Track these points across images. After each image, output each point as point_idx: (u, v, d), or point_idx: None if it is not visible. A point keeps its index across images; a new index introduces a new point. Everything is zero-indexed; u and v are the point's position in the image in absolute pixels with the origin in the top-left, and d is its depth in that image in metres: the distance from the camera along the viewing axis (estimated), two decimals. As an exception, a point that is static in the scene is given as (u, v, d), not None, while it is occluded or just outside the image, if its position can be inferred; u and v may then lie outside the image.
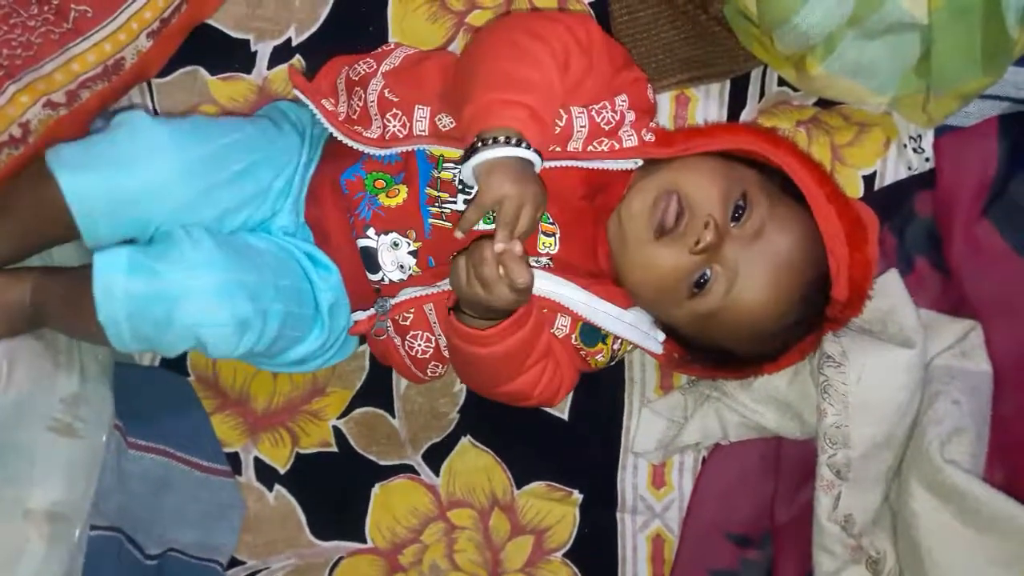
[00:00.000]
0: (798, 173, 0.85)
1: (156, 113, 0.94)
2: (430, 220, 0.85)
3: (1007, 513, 0.85)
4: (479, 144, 0.76)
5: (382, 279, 0.87)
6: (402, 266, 0.86)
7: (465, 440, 1.03)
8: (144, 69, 0.89)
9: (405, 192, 0.85)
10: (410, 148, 0.84)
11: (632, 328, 0.88)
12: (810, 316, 0.86)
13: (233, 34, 0.94)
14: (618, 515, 1.05)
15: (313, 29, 0.95)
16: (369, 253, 0.86)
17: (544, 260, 0.86)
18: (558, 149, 0.83)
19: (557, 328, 0.87)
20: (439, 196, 0.84)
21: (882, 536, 0.94)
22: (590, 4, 0.95)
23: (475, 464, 1.03)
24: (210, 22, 0.93)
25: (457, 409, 1.02)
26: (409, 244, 0.86)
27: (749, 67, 0.96)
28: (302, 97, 0.87)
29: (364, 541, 1.04)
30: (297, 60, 0.95)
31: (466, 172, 0.77)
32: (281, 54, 0.95)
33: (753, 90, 0.97)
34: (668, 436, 1.00)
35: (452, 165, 0.84)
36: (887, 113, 0.96)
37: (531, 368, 0.86)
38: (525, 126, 0.77)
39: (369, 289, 0.88)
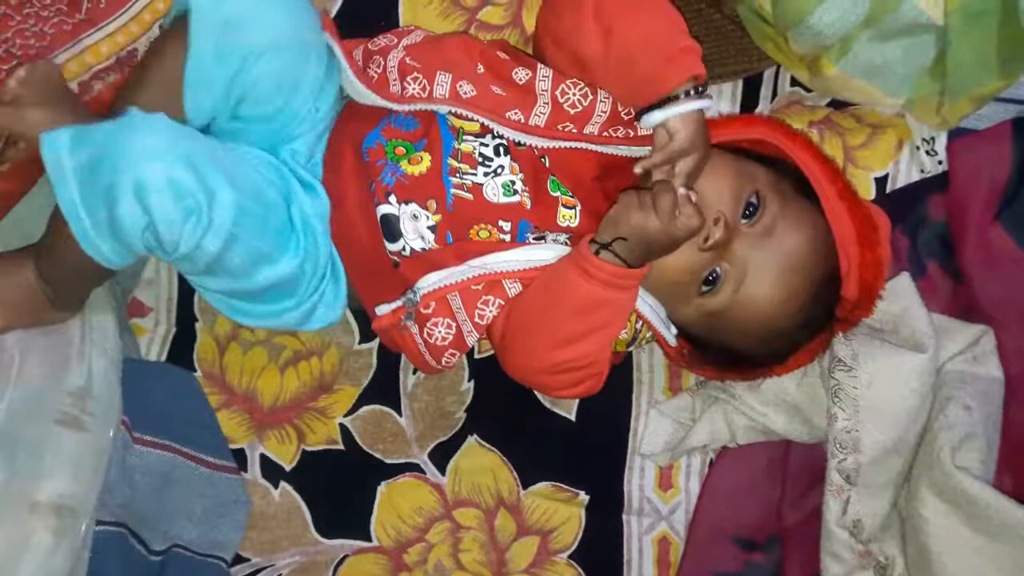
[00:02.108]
0: (811, 169, 0.85)
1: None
2: (452, 190, 0.83)
3: (1017, 520, 0.85)
4: (668, 98, 0.79)
5: (403, 249, 0.84)
6: (422, 236, 0.84)
7: (472, 439, 1.02)
8: (156, 61, 0.89)
9: (428, 160, 0.84)
10: (429, 108, 0.83)
11: (653, 311, 0.87)
12: (820, 316, 0.85)
13: (243, 28, 0.94)
14: (624, 517, 1.04)
15: (324, 24, 0.94)
16: (389, 220, 0.84)
17: (563, 236, 0.86)
18: (573, 129, 0.83)
19: None
20: (460, 167, 0.84)
21: (891, 542, 0.94)
22: (603, 2, 0.94)
23: (481, 464, 1.03)
24: (220, 16, 0.93)
25: (464, 408, 1.02)
26: (428, 217, 0.84)
27: (762, 67, 0.95)
28: (331, 43, 0.84)
29: (369, 539, 1.04)
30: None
31: (654, 120, 0.79)
32: (291, 49, 0.94)
33: (766, 90, 0.96)
34: (676, 438, 1.00)
35: (472, 138, 0.84)
36: (900, 115, 0.96)
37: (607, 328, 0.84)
38: (700, 69, 0.79)
39: (387, 263, 0.85)
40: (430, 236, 0.84)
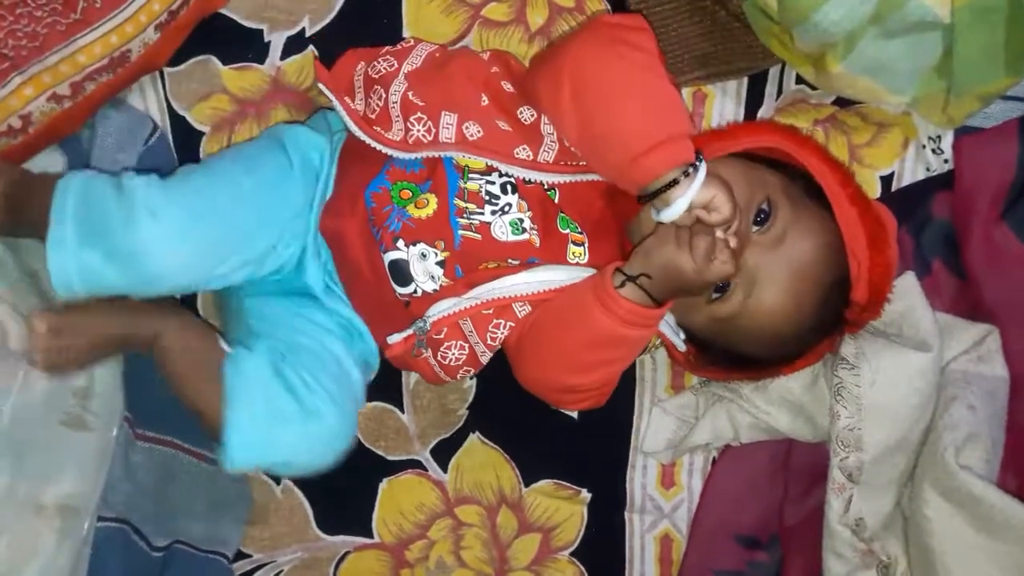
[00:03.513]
0: (822, 173, 0.84)
1: (168, 102, 0.94)
2: (460, 231, 0.83)
3: (1021, 520, 0.85)
4: (673, 182, 0.76)
5: (414, 291, 0.84)
6: (432, 276, 0.83)
7: (474, 437, 1.02)
8: (151, 61, 0.88)
9: (434, 202, 0.83)
10: (436, 154, 0.82)
11: (666, 323, 0.87)
12: (830, 319, 0.85)
13: (246, 24, 0.93)
14: (626, 515, 1.04)
15: (327, 20, 0.94)
16: (399, 266, 0.83)
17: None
18: (583, 161, 0.83)
19: None
20: (467, 207, 0.83)
21: (893, 541, 0.94)
22: (607, -1, 0.94)
23: (483, 461, 1.03)
24: (223, 11, 0.92)
25: (466, 406, 1.02)
26: (437, 254, 0.83)
27: (767, 64, 0.95)
28: (326, 92, 0.85)
29: (371, 536, 1.04)
30: (310, 51, 0.94)
31: (676, 211, 0.77)
32: (295, 44, 0.94)
33: (771, 88, 0.96)
34: (678, 436, 1.00)
35: (478, 175, 0.83)
36: (906, 113, 0.95)
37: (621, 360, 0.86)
38: (684, 157, 0.77)
39: (397, 304, 0.85)
40: (439, 272, 0.83)
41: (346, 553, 1.04)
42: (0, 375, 0.80)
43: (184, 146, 0.95)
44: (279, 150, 0.87)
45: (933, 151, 0.96)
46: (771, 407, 0.95)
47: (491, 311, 0.83)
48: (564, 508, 1.04)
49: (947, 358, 0.92)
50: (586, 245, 0.85)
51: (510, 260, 0.83)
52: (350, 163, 0.86)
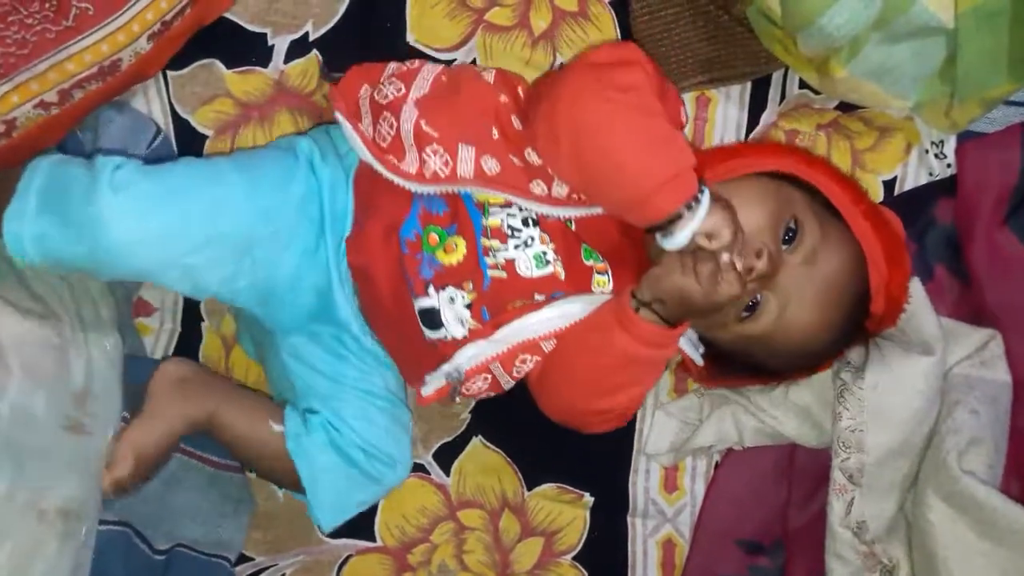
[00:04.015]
0: (834, 192, 0.85)
1: (171, 105, 0.94)
2: (489, 272, 0.82)
3: (1024, 525, 0.85)
4: (677, 216, 0.76)
5: (444, 336, 0.83)
6: (461, 321, 0.83)
7: (476, 440, 1.02)
8: (142, 70, 0.87)
9: (464, 246, 0.82)
10: (453, 190, 0.81)
11: (686, 339, 0.87)
12: (852, 331, 0.86)
13: (250, 27, 0.93)
14: (629, 519, 1.04)
15: (331, 24, 0.94)
16: (430, 313, 0.83)
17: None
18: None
19: None
20: (491, 245, 0.82)
21: (896, 545, 0.94)
22: (610, 3, 0.94)
23: (486, 465, 1.03)
24: (227, 15, 0.92)
25: (469, 409, 1.02)
26: (464, 296, 0.82)
27: (770, 69, 0.95)
28: (341, 120, 0.84)
29: (373, 540, 1.04)
30: (314, 55, 0.94)
31: (680, 241, 0.77)
32: (298, 48, 0.94)
33: (774, 92, 0.96)
34: (681, 438, 1.00)
35: (499, 209, 0.82)
36: (909, 118, 0.95)
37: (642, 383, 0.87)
38: (686, 195, 0.77)
39: (424, 344, 0.84)
40: (467, 315, 0.83)
41: (348, 557, 1.04)
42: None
43: (187, 150, 0.94)
44: (285, 153, 0.86)
45: (936, 156, 0.96)
46: (778, 411, 0.95)
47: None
48: (567, 512, 1.04)
49: (950, 363, 0.92)
50: (609, 273, 0.85)
51: (536, 296, 0.83)
52: (373, 194, 0.84)
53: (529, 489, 1.03)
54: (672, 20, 0.93)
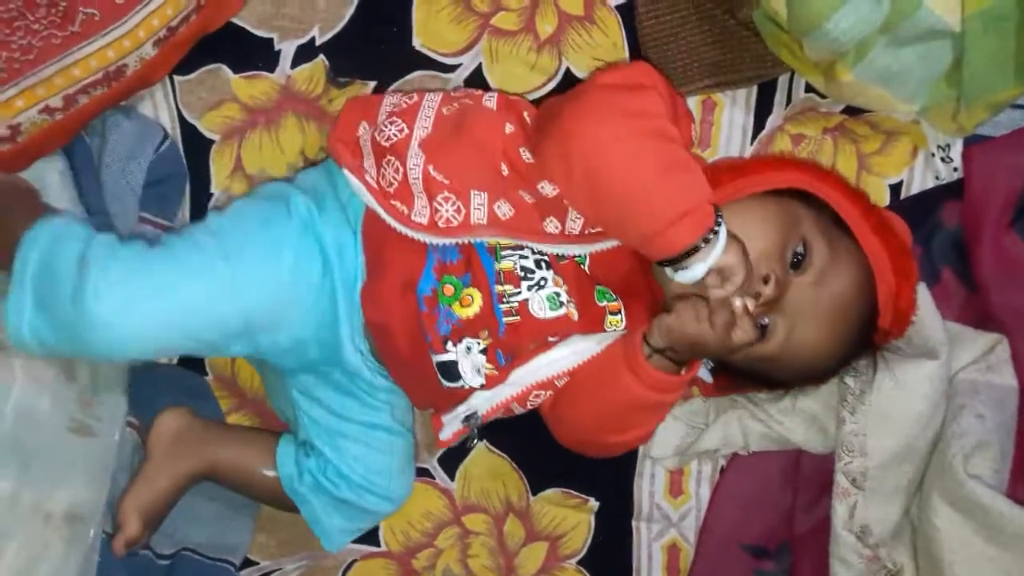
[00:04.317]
0: (843, 206, 0.84)
1: (178, 110, 0.94)
2: (504, 319, 0.81)
3: (1031, 530, 0.84)
4: (693, 250, 0.75)
5: (461, 386, 0.83)
6: (478, 370, 0.82)
7: (481, 445, 1.02)
8: (147, 76, 0.88)
9: (479, 298, 0.80)
10: (467, 240, 0.80)
11: None
12: (860, 345, 0.86)
13: (257, 32, 0.93)
14: (634, 523, 1.04)
15: (337, 29, 0.94)
16: (448, 367, 0.82)
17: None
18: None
19: None
20: (505, 291, 0.81)
21: (901, 549, 0.93)
22: (616, 8, 0.94)
23: (491, 469, 1.03)
24: (234, 20, 0.92)
25: (474, 413, 1.02)
26: (479, 343, 0.81)
27: (776, 73, 0.95)
28: (348, 175, 0.82)
29: (378, 544, 1.04)
30: (321, 60, 0.94)
31: (695, 275, 0.76)
32: (305, 53, 0.94)
33: (780, 96, 0.96)
34: (686, 442, 0.99)
35: (510, 252, 0.81)
36: (916, 121, 0.95)
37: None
38: (711, 213, 0.76)
39: (442, 392, 0.84)
40: (482, 360, 0.82)
41: (353, 561, 1.04)
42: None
43: (194, 154, 0.95)
44: (276, 215, 0.83)
45: (942, 159, 0.96)
46: (785, 418, 0.95)
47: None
48: (571, 516, 1.04)
49: (956, 367, 0.92)
50: (622, 312, 0.84)
51: (550, 338, 0.82)
52: (385, 246, 0.82)
53: (534, 493, 1.03)
54: (678, 24, 0.93)
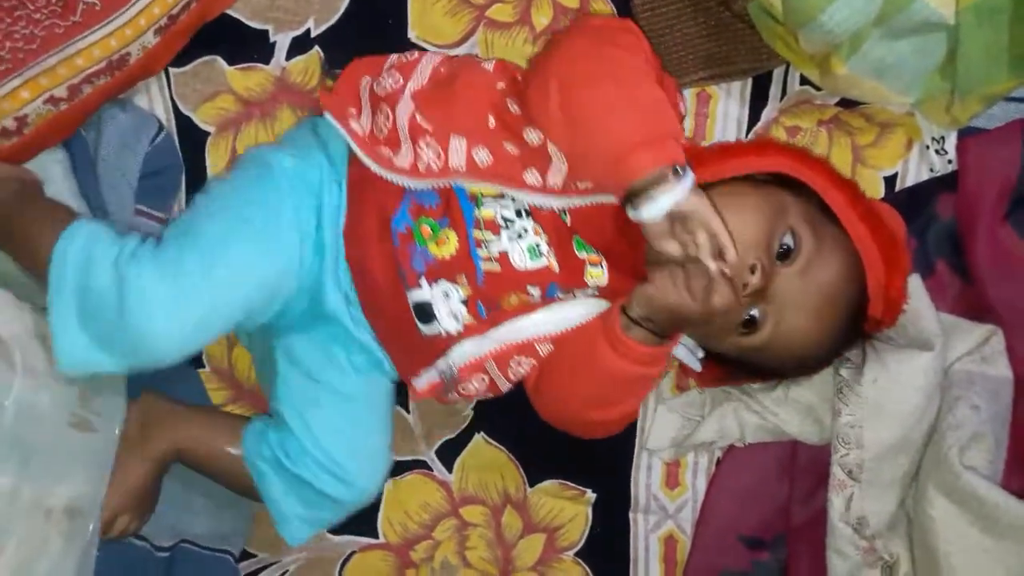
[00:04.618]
0: (831, 194, 0.84)
1: (173, 102, 0.94)
2: (482, 264, 0.82)
3: (1026, 520, 0.85)
4: (657, 183, 0.75)
5: (438, 332, 0.83)
6: (456, 316, 0.83)
7: (479, 437, 1.02)
8: (150, 65, 0.88)
9: (455, 239, 0.82)
10: (446, 183, 0.81)
11: (681, 345, 0.87)
12: (851, 334, 0.86)
13: (252, 24, 0.93)
14: (631, 515, 1.04)
15: (332, 21, 0.94)
16: (423, 307, 0.83)
17: (591, 291, 0.85)
18: (591, 184, 0.81)
19: None
20: (484, 237, 0.81)
21: (897, 541, 0.94)
22: (611, 0, 0.94)
23: (488, 461, 1.03)
24: (228, 12, 0.92)
25: (471, 406, 1.02)
26: (459, 292, 0.82)
27: (771, 65, 0.95)
28: (332, 121, 0.84)
29: (376, 536, 1.04)
30: (316, 52, 0.94)
31: (659, 208, 0.75)
32: (300, 45, 0.94)
33: (775, 89, 0.96)
34: (682, 434, 1.00)
35: (492, 200, 0.82)
36: (910, 114, 0.95)
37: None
38: (670, 159, 0.75)
39: (420, 339, 0.84)
40: (462, 311, 0.83)
41: (351, 553, 1.04)
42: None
43: (190, 146, 0.95)
44: (263, 179, 0.84)
45: (937, 152, 0.96)
46: (780, 409, 0.95)
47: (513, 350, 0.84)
48: (569, 508, 1.04)
49: (951, 359, 0.92)
50: (604, 265, 0.84)
51: (530, 288, 0.83)
52: (365, 187, 0.84)
53: (531, 485, 1.04)
54: (673, 16, 0.93)
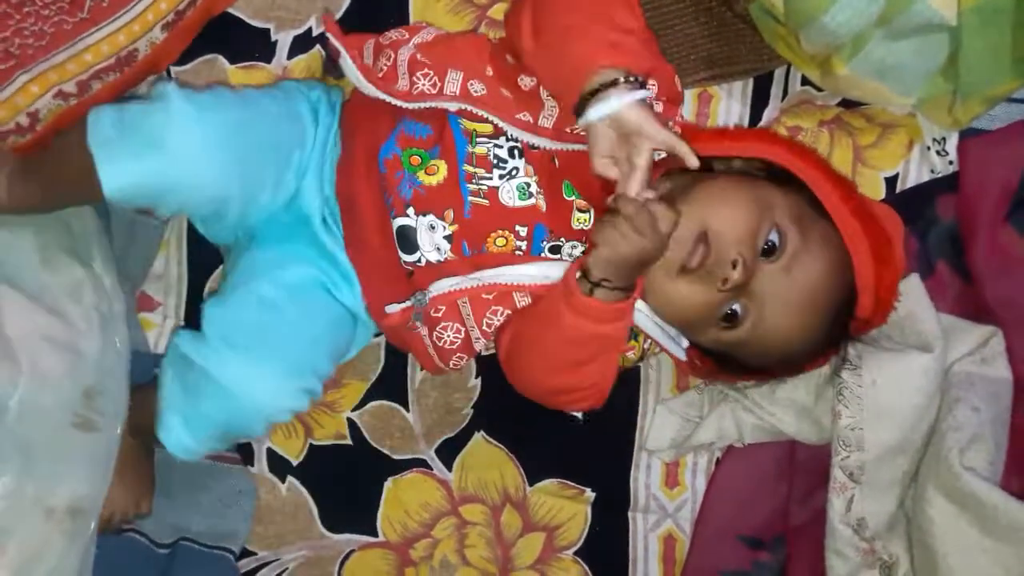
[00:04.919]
0: (823, 188, 0.84)
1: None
2: (470, 198, 0.83)
3: (1024, 522, 0.85)
4: (607, 86, 0.76)
5: (418, 260, 0.84)
6: (438, 248, 0.84)
7: (479, 435, 1.03)
8: (157, 61, 0.88)
9: (444, 168, 0.83)
10: (439, 105, 0.82)
11: (662, 330, 0.87)
12: (837, 332, 0.86)
13: (253, 23, 0.93)
14: (630, 514, 1.04)
15: (334, 19, 0.94)
16: (406, 233, 0.84)
17: (579, 248, 0.85)
18: (582, 131, 0.82)
19: None
20: (475, 172, 0.83)
21: (896, 541, 0.94)
22: (613, -1, 0.94)
23: (488, 460, 1.03)
24: (230, 10, 0.92)
25: (471, 404, 1.02)
26: (445, 227, 0.84)
27: (773, 66, 0.95)
28: (333, 41, 0.86)
29: (375, 535, 1.04)
30: (317, 51, 0.94)
31: (609, 107, 0.76)
32: (301, 44, 0.94)
33: (776, 89, 0.96)
34: (682, 434, 1.00)
35: (486, 139, 0.83)
36: (911, 115, 0.95)
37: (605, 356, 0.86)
38: (624, 62, 0.77)
39: (400, 272, 0.86)
40: (446, 246, 0.84)
41: (351, 551, 1.05)
42: (1, 367, 0.80)
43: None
44: (284, 87, 0.90)
45: (938, 153, 0.96)
46: (776, 408, 0.95)
47: (491, 296, 0.84)
48: (568, 507, 1.04)
49: (951, 360, 0.92)
50: (591, 212, 0.85)
51: (517, 227, 0.84)
52: (357, 119, 0.87)
53: (531, 484, 1.04)
54: (675, 16, 0.93)
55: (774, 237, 0.80)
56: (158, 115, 0.78)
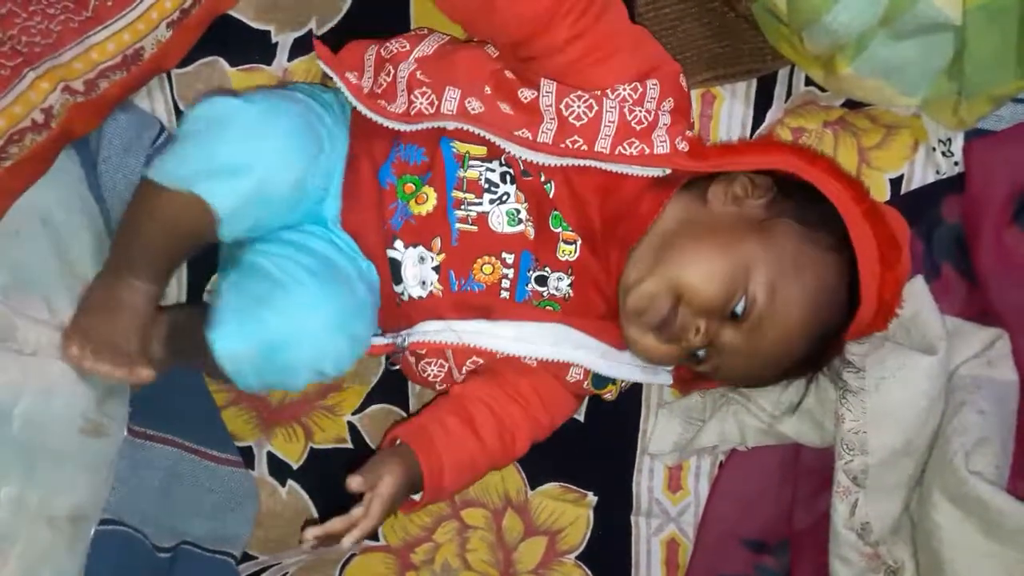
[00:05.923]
0: (834, 192, 0.84)
1: (175, 103, 0.94)
2: (457, 225, 0.84)
3: (1031, 526, 0.84)
4: None
5: (402, 293, 0.86)
6: (423, 282, 0.85)
7: (480, 439, 1.02)
8: (163, 59, 0.88)
9: (433, 197, 0.84)
10: (437, 125, 0.82)
11: (644, 370, 0.90)
12: (819, 355, 0.87)
13: (254, 25, 0.93)
14: (632, 518, 1.04)
15: (334, 21, 0.94)
16: (395, 264, 0.85)
17: (564, 276, 0.86)
18: (583, 146, 0.82)
19: (570, 376, 0.90)
20: (465, 198, 0.84)
21: (901, 545, 0.93)
22: (615, -1, 0.94)
23: (489, 463, 1.03)
24: (231, 12, 0.92)
25: (472, 408, 1.02)
26: (433, 258, 0.84)
27: (776, 66, 0.94)
28: (325, 69, 0.87)
29: (376, 539, 1.04)
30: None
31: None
32: (302, 46, 0.94)
33: (780, 89, 0.95)
34: (684, 438, 0.99)
35: (478, 162, 0.84)
36: (916, 115, 0.95)
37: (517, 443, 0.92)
38: None
39: (392, 300, 0.87)
40: (432, 278, 0.85)
41: (351, 556, 1.04)
42: (8, 375, 0.80)
43: (191, 147, 0.95)
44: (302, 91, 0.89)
45: (943, 154, 0.96)
46: (778, 411, 0.95)
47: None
48: (570, 511, 1.04)
49: (956, 362, 0.92)
50: (578, 244, 0.85)
51: (504, 254, 0.84)
52: (358, 143, 0.87)
53: (532, 488, 1.03)
54: (677, 17, 0.93)
55: (740, 307, 0.81)
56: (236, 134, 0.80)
